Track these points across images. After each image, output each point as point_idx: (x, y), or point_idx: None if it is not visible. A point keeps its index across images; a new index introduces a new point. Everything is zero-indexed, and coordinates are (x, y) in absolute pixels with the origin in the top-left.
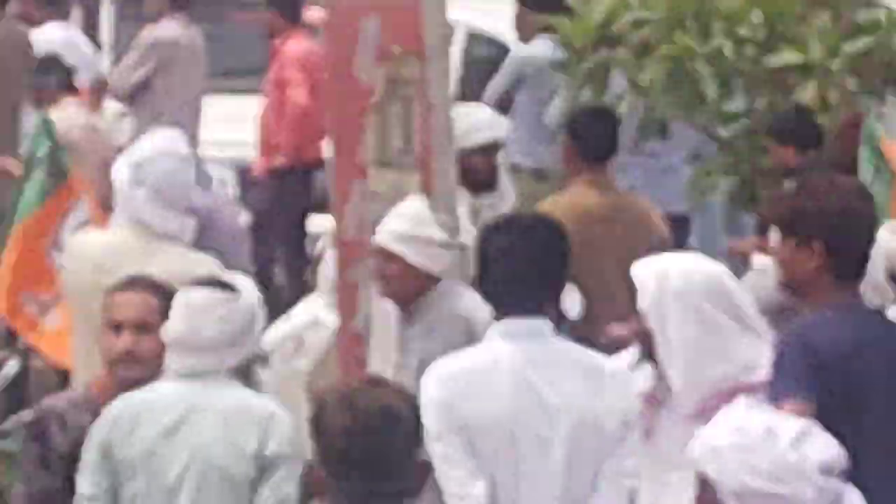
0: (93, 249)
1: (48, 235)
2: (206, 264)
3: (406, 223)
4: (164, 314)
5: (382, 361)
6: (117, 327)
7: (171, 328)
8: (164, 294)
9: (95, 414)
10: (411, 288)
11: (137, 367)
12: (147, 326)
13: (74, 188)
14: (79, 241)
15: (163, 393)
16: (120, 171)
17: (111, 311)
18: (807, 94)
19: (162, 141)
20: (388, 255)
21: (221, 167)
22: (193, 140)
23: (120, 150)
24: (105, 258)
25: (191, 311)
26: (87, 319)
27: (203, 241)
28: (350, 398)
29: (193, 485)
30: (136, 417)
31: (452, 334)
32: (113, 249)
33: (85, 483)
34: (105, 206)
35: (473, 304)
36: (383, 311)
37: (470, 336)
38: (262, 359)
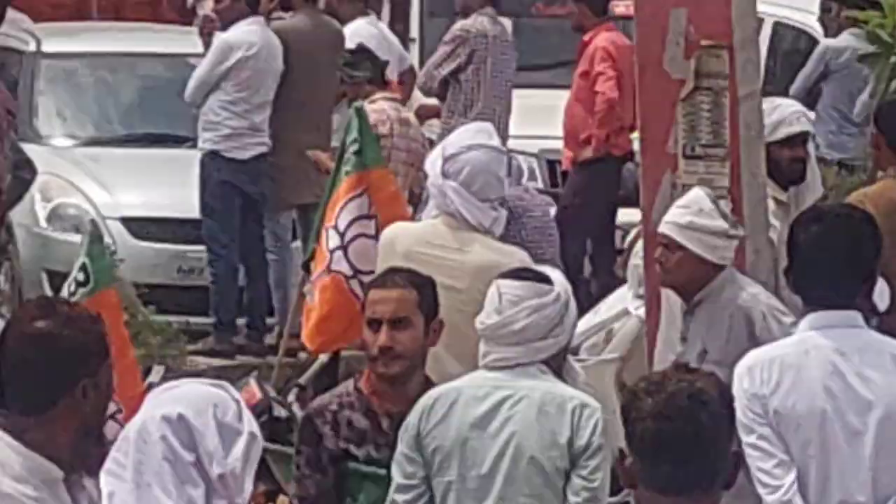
0: (405, 241)
1: (330, 220)
2: (517, 256)
3: (688, 213)
4: (423, 307)
5: (667, 351)
6: (376, 324)
7: (484, 319)
8: (421, 287)
9: (366, 411)
10: (692, 278)
11: (397, 362)
12: (404, 321)
13: (368, 178)
14: (391, 232)
15: (475, 383)
16: (433, 164)
17: (369, 308)
18: None
19: (474, 134)
20: (669, 245)
21: (530, 159)
22: (503, 133)
23: (430, 143)
24: (417, 249)
25: (504, 303)
26: None
27: (513, 233)
28: (660, 383)
29: (506, 474)
30: (449, 408)
31: (733, 325)
32: (425, 241)
33: (399, 473)
34: (413, 198)
35: (754, 294)
36: (670, 301)
37: (750, 327)
38: (573, 350)
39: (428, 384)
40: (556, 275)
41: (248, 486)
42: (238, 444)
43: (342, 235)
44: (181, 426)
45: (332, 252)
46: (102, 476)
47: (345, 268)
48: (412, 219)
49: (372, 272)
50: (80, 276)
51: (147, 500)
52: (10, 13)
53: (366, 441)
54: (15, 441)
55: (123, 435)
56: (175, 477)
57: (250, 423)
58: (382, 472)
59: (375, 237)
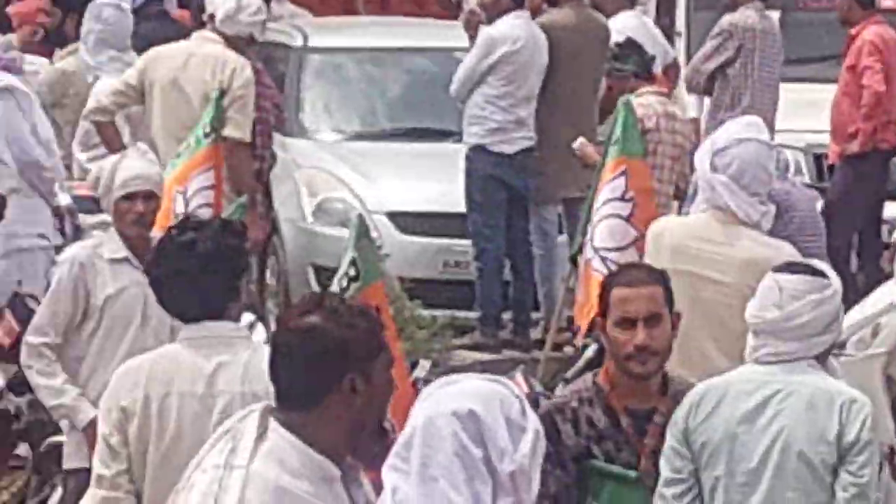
0: (672, 235)
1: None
2: (785, 251)
3: None
4: (668, 302)
5: None
6: (628, 322)
7: (762, 314)
8: (663, 282)
9: (605, 408)
10: None
11: (653, 360)
12: (657, 318)
13: (627, 164)
14: (661, 225)
15: (744, 378)
16: (702, 159)
17: (620, 307)
18: None
19: (743, 128)
20: None
21: (797, 154)
22: (771, 127)
23: (694, 137)
24: (686, 243)
25: (785, 298)
26: None
27: (779, 227)
28: None
29: (774, 469)
30: (718, 403)
31: None
32: (693, 234)
33: (667, 468)
34: (678, 192)
35: None
36: None
37: None
38: (840, 345)
39: (665, 379)
40: (827, 269)
41: (536, 485)
42: (525, 440)
43: (592, 221)
44: (472, 422)
45: (586, 242)
46: (385, 471)
47: (589, 252)
48: (678, 213)
49: (614, 249)
50: (352, 272)
51: (433, 495)
52: (291, 7)
53: (606, 439)
54: (292, 436)
55: (407, 430)
56: (464, 472)
57: (534, 420)
58: (624, 471)
59: (627, 220)
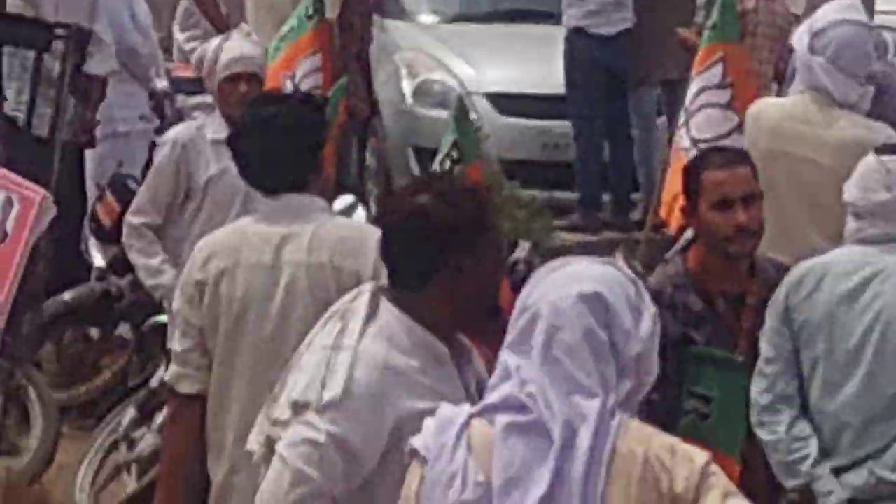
0: (770, 116)
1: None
2: (885, 132)
3: None
4: (757, 181)
5: None
6: (726, 204)
7: (868, 196)
8: (751, 160)
9: (699, 292)
10: None
11: (752, 240)
12: (752, 197)
13: (724, 48)
14: (758, 107)
15: (845, 258)
16: (800, 39)
17: (717, 189)
18: None
19: (842, 9)
20: None
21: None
22: (870, 8)
23: (795, 18)
24: (783, 125)
25: (893, 179)
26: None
27: (878, 109)
28: None
29: (874, 349)
30: (818, 282)
31: None
32: (791, 116)
33: (767, 346)
34: (777, 74)
35: None
36: None
37: None
38: None
39: (753, 261)
40: None
41: (656, 367)
42: (644, 322)
43: (687, 109)
44: (598, 304)
45: (679, 128)
46: (503, 350)
47: (685, 142)
48: (778, 94)
49: (714, 139)
50: (454, 154)
51: (558, 375)
52: None
53: (703, 323)
54: (403, 315)
55: (526, 312)
56: (592, 355)
57: (649, 302)
58: (726, 353)
59: (727, 107)
